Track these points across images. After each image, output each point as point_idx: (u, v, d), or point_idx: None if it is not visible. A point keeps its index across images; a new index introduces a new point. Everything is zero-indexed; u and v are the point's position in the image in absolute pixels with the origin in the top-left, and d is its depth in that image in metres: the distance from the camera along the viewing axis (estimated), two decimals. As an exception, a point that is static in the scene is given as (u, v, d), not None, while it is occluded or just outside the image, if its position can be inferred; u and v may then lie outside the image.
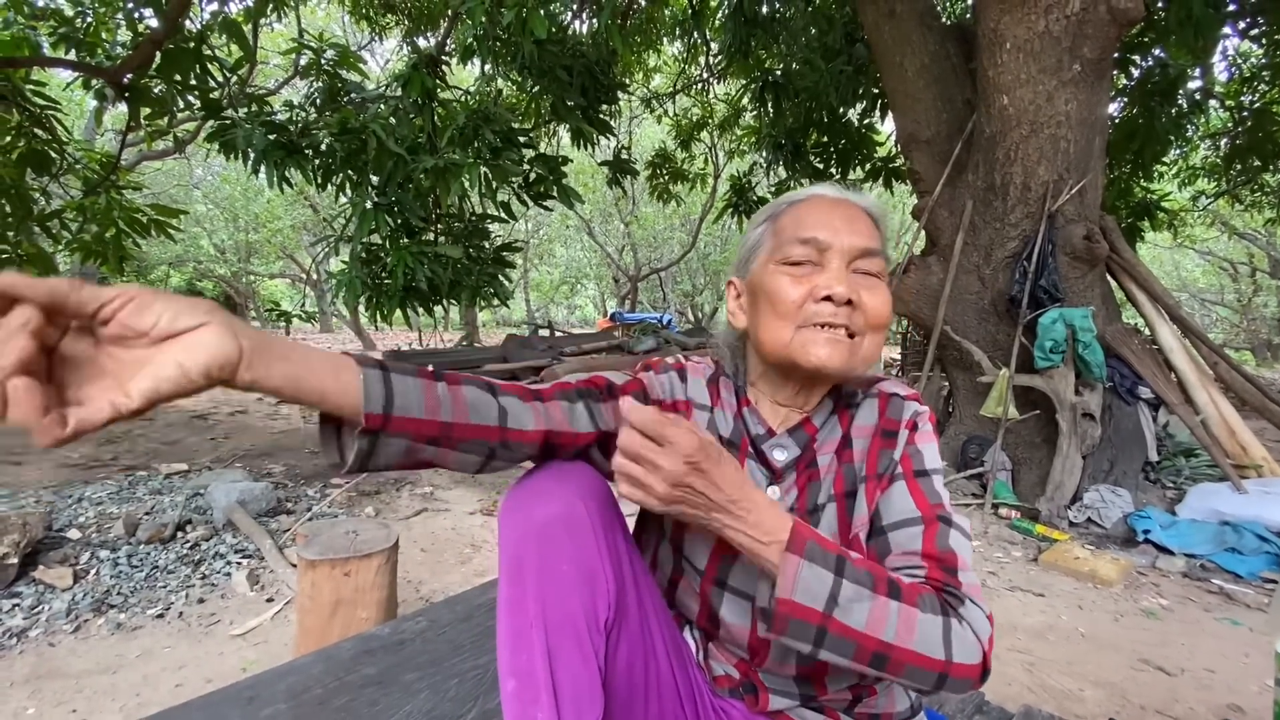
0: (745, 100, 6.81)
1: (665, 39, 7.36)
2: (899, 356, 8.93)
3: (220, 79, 4.08)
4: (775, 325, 0.74)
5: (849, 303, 0.71)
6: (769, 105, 5.77)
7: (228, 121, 3.85)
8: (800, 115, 5.97)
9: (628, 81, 7.06)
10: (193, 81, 3.91)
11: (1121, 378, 3.50)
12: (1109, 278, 3.85)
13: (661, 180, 7.61)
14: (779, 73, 5.67)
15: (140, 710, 1.76)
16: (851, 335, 0.72)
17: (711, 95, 8.09)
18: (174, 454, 4.42)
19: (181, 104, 4.10)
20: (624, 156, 4.85)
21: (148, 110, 4.14)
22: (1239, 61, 6.34)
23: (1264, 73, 5.99)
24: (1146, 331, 3.80)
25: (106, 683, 1.89)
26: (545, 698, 0.59)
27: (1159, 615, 2.39)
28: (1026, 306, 3.57)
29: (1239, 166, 6.55)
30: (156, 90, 3.99)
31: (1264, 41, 5.55)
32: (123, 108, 4.18)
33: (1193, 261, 19.07)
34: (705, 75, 7.60)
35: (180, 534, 2.81)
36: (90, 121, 8.65)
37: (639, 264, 18.13)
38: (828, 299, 0.70)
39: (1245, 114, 5.97)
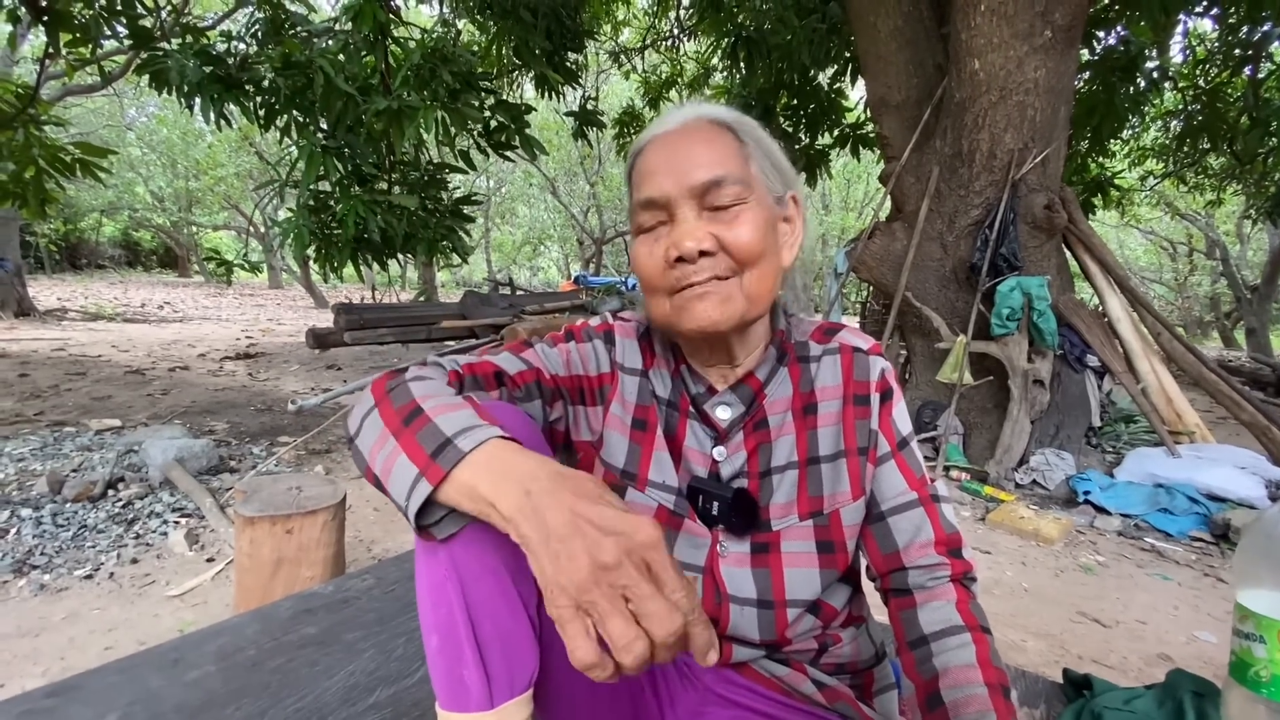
0: (715, 59, 6.64)
1: (635, -11, 7.09)
2: (858, 325, 9.08)
3: (151, 5, 3.73)
4: (651, 300, 0.69)
5: (706, 253, 0.64)
6: (741, 63, 5.63)
7: (160, 53, 3.53)
8: (771, 76, 5.86)
9: (595, 32, 6.78)
10: (119, 7, 3.56)
11: (1071, 345, 3.60)
12: (1065, 248, 3.93)
13: (629, 139, 7.42)
14: (751, 28, 5.52)
15: (65, 674, 1.66)
16: (730, 277, 0.65)
17: (681, 53, 7.86)
18: (106, 410, 4.18)
19: (108, 32, 3.75)
20: (590, 108, 4.67)
21: (69, 37, 3.78)
22: (1195, 43, 6.48)
23: (1217, 56, 6.14)
24: (1095, 301, 3.91)
25: (28, 646, 1.78)
26: (470, 654, 0.54)
27: (1096, 571, 2.50)
28: (986, 274, 3.61)
29: (1187, 147, 6.75)
30: (79, 15, 3.64)
31: (1220, 23, 5.67)
32: (42, 34, 3.81)
33: (1136, 240, 19.83)
34: (675, 31, 7.36)
35: (111, 492, 2.65)
36: (4, 49, 7.90)
37: (604, 226, 17.87)
38: (681, 259, 0.64)
39: (1200, 93, 6.11)
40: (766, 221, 0.67)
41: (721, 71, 6.93)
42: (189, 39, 3.76)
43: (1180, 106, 6.67)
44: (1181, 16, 5.30)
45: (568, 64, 4.45)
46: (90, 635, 1.84)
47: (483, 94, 3.73)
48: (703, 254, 0.64)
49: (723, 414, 0.73)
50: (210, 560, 2.29)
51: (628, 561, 0.44)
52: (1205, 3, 5.13)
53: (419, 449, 0.53)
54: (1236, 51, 5.77)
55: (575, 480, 0.50)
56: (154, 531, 2.42)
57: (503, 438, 0.53)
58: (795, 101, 6.09)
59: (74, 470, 2.83)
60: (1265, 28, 5.28)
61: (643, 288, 0.70)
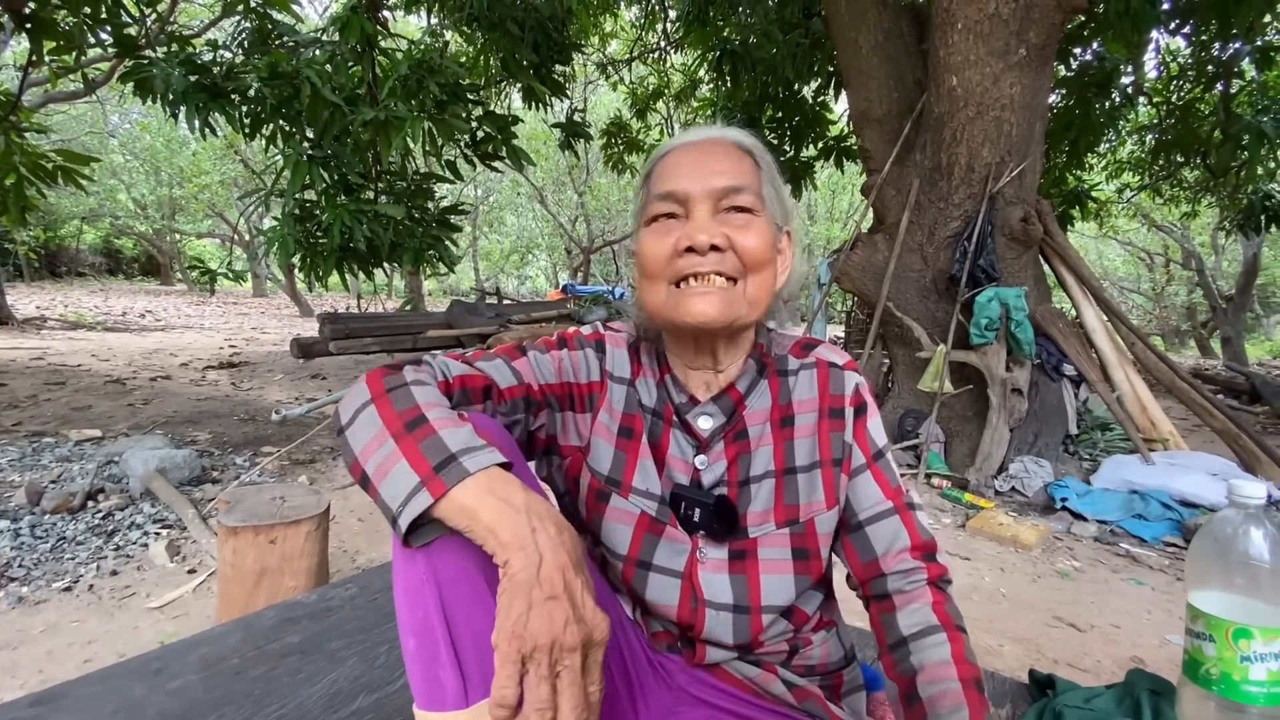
0: (702, 72, 6.72)
1: (622, 3, 7.16)
2: (843, 334, 9.17)
3: (136, 14, 3.73)
4: (650, 287, 0.71)
5: (716, 248, 0.68)
6: (726, 75, 5.71)
7: (144, 61, 3.53)
8: (756, 89, 5.95)
9: (583, 44, 6.85)
10: (104, 15, 3.56)
11: (1048, 355, 3.67)
12: (1041, 260, 4.02)
13: (616, 150, 7.47)
14: (737, 42, 5.61)
15: (44, 687, 1.65)
16: (733, 280, 0.69)
17: (668, 64, 7.95)
18: (85, 420, 4.13)
19: (92, 39, 3.73)
20: (577, 119, 4.71)
21: (52, 45, 3.76)
22: (1168, 59, 6.66)
23: (1190, 71, 6.32)
24: (1072, 312, 4.00)
25: (6, 659, 1.76)
26: (445, 655, 0.57)
27: (1072, 576, 2.55)
28: (965, 285, 3.69)
29: (1162, 161, 6.93)
30: (63, 23, 3.62)
31: (1192, 41, 5.84)
32: (24, 41, 3.79)
33: (1114, 251, 20.21)
34: (662, 43, 7.45)
35: (91, 503, 2.63)
36: (-14, 55, 7.82)
37: (592, 235, 17.93)
38: (691, 249, 0.68)
39: (1174, 108, 6.28)
40: (770, 236, 0.71)
41: (708, 84, 7.02)
42: (174, 47, 3.76)
43: (1155, 121, 6.83)
44: (1155, 34, 5.46)
45: (555, 76, 4.50)
46: (69, 648, 1.82)
47: (470, 105, 3.76)
48: (713, 248, 0.67)
49: (704, 424, 0.75)
50: (192, 572, 2.28)
51: (579, 650, 0.51)
52: (1177, 21, 5.29)
53: (422, 458, 0.56)
54: (1209, 68, 5.94)
55: (569, 539, 0.55)
56: (134, 543, 2.39)
57: (503, 464, 0.57)
58: (780, 114, 6.17)
59: (53, 481, 2.80)
60: (1235, 45, 5.45)
61: (644, 275, 0.72)
